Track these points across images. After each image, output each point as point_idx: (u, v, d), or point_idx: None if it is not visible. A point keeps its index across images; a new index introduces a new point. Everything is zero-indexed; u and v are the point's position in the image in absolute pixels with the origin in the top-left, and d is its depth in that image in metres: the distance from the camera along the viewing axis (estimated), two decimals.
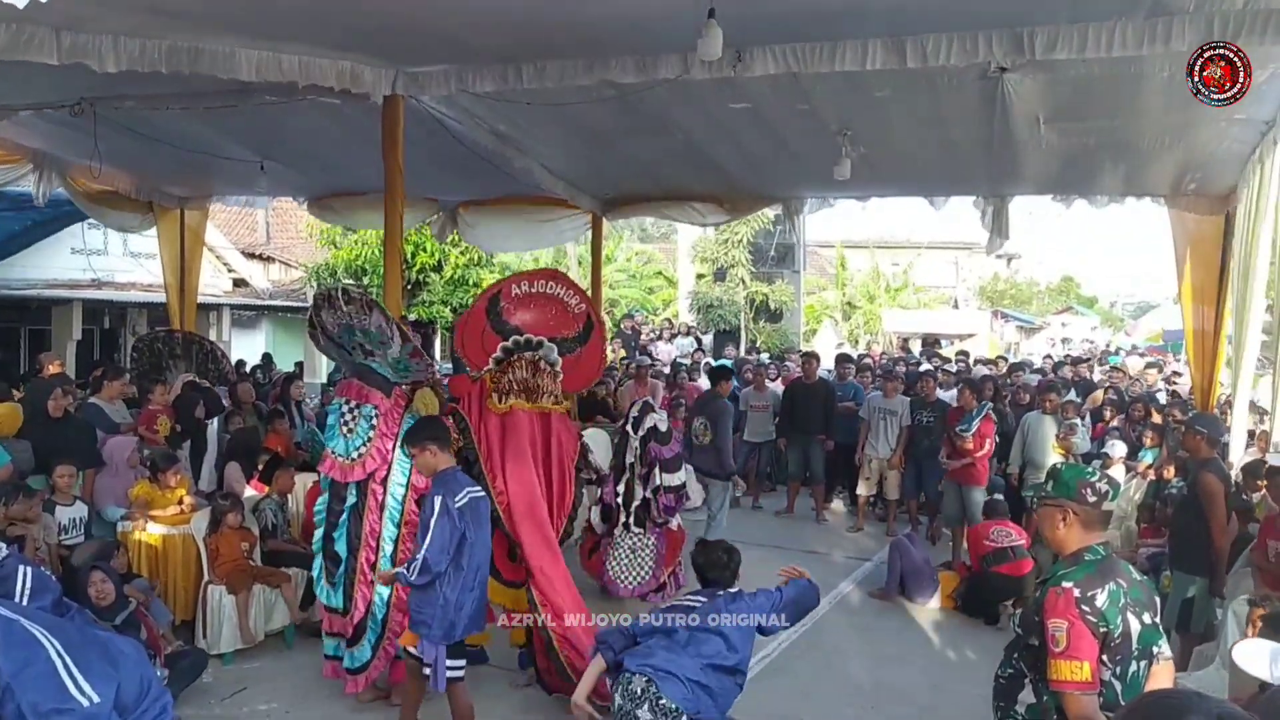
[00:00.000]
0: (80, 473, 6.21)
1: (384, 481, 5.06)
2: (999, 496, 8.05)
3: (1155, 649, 2.83)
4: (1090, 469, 3.09)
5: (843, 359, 11.63)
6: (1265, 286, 6.80)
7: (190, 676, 5.18)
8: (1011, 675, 3.02)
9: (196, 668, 5.29)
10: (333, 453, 5.12)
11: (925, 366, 13.14)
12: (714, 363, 15.08)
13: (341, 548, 5.11)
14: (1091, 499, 2.84)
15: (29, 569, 3.36)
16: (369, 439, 5.03)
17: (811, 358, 10.75)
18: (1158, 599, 2.97)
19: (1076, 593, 2.71)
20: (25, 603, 3.32)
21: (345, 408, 5.10)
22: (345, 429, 5.08)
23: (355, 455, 5.03)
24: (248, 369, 12.38)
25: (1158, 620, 2.88)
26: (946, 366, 13.22)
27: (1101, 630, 2.69)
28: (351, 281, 17.74)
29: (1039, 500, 2.97)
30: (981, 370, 13.04)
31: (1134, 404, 10.14)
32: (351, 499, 5.10)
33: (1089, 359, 16.87)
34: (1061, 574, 2.83)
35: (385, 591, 5.02)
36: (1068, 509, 2.86)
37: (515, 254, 18.84)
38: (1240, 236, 7.26)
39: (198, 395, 8.23)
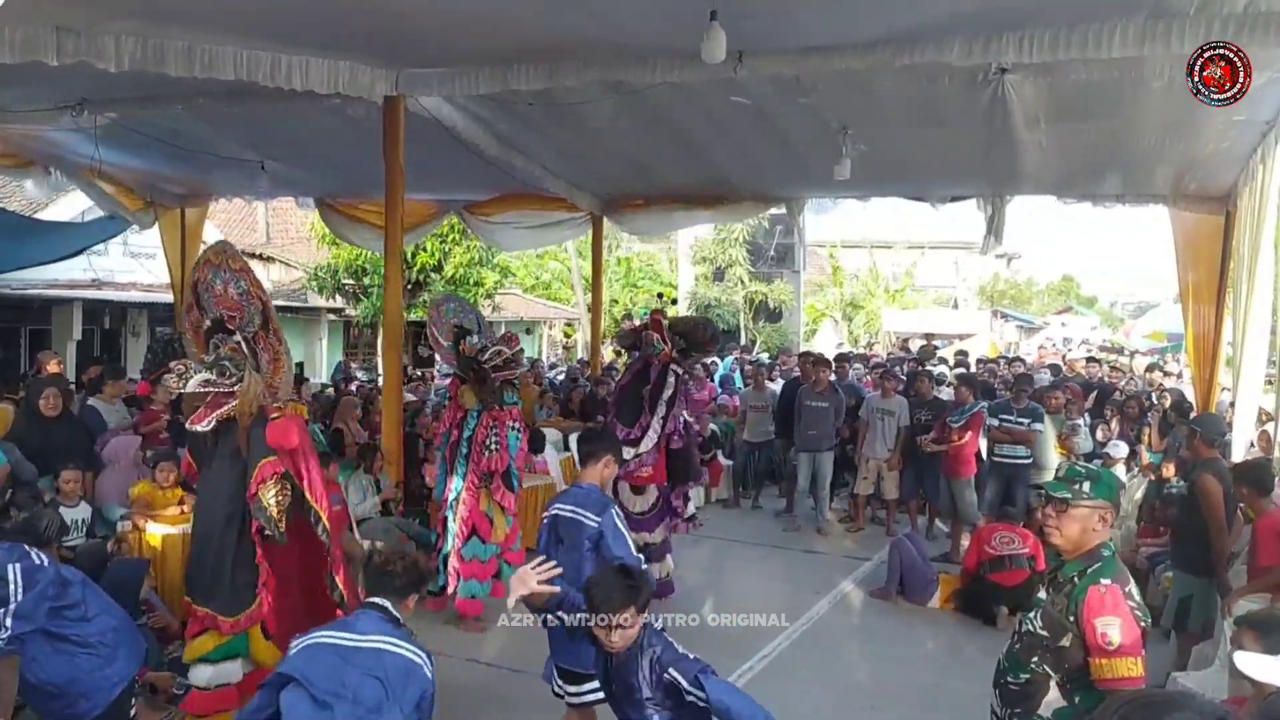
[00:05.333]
0: (82, 474, 6.22)
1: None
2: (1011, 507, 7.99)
3: None
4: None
5: (842, 358, 11.59)
6: (1271, 285, 6.73)
7: None
8: (1028, 680, 2.88)
9: None
10: None
11: (940, 369, 12.93)
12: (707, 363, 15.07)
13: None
14: (1123, 499, 2.89)
15: (18, 565, 3.37)
16: None
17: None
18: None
19: (1120, 589, 2.69)
20: (21, 597, 3.33)
21: None
22: None
23: None
24: None
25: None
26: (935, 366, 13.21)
27: (1142, 624, 2.69)
28: (352, 281, 17.72)
29: (1071, 501, 2.85)
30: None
31: (1128, 402, 10.13)
32: None
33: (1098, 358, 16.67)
34: (1093, 570, 2.77)
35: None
36: (1110, 512, 2.86)
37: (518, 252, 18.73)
38: (1241, 237, 7.25)
39: None
